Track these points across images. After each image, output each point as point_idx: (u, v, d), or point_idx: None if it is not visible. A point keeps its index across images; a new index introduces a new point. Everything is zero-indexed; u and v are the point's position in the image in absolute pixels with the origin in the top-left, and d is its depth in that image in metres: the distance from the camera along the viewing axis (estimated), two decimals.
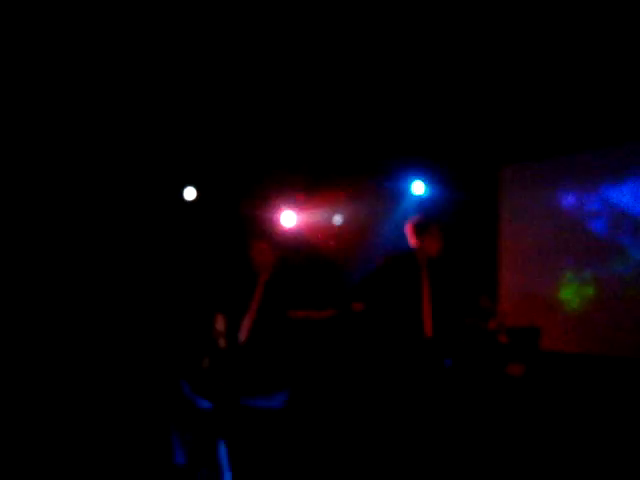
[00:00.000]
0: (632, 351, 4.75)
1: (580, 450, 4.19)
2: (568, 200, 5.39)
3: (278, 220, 5.63)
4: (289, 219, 5.75)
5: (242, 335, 3.92)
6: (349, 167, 5.96)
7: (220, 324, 3.83)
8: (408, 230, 4.35)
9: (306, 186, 5.87)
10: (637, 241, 4.88)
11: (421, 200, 5.79)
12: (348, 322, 4.58)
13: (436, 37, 4.09)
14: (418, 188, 5.77)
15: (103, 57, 4.26)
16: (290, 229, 5.73)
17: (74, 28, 3.90)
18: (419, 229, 4.27)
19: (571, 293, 5.25)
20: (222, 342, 3.80)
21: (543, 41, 4.07)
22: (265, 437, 3.80)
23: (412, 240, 4.31)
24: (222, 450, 3.63)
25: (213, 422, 3.68)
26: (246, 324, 3.95)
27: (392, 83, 4.78)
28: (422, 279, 4.21)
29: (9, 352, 4.77)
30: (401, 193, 5.92)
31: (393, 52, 4.28)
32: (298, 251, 5.61)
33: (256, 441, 3.78)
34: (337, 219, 6.10)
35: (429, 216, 4.48)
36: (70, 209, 5.20)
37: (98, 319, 5.18)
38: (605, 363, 4.87)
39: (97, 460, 4.09)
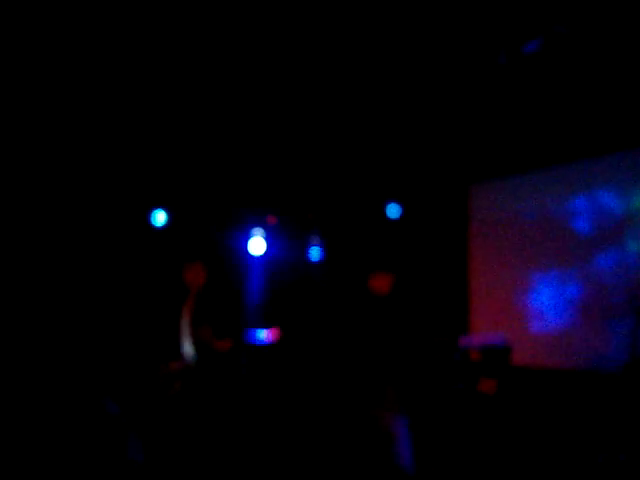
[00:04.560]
0: (601, 364, 4.77)
1: (552, 466, 4.19)
2: (535, 214, 5.46)
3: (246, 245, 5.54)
4: (257, 246, 5.59)
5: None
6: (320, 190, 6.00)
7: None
8: None
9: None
10: (603, 254, 4.93)
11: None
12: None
13: (408, 61, 4.20)
14: (392, 211, 5.78)
15: (81, 74, 4.25)
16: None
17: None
18: None
19: None
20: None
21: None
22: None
23: None
24: None
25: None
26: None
27: (365, 106, 4.86)
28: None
29: None
30: None
31: (365, 70, 4.31)
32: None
33: None
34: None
35: None
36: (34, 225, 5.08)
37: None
38: (574, 377, 4.88)
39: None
